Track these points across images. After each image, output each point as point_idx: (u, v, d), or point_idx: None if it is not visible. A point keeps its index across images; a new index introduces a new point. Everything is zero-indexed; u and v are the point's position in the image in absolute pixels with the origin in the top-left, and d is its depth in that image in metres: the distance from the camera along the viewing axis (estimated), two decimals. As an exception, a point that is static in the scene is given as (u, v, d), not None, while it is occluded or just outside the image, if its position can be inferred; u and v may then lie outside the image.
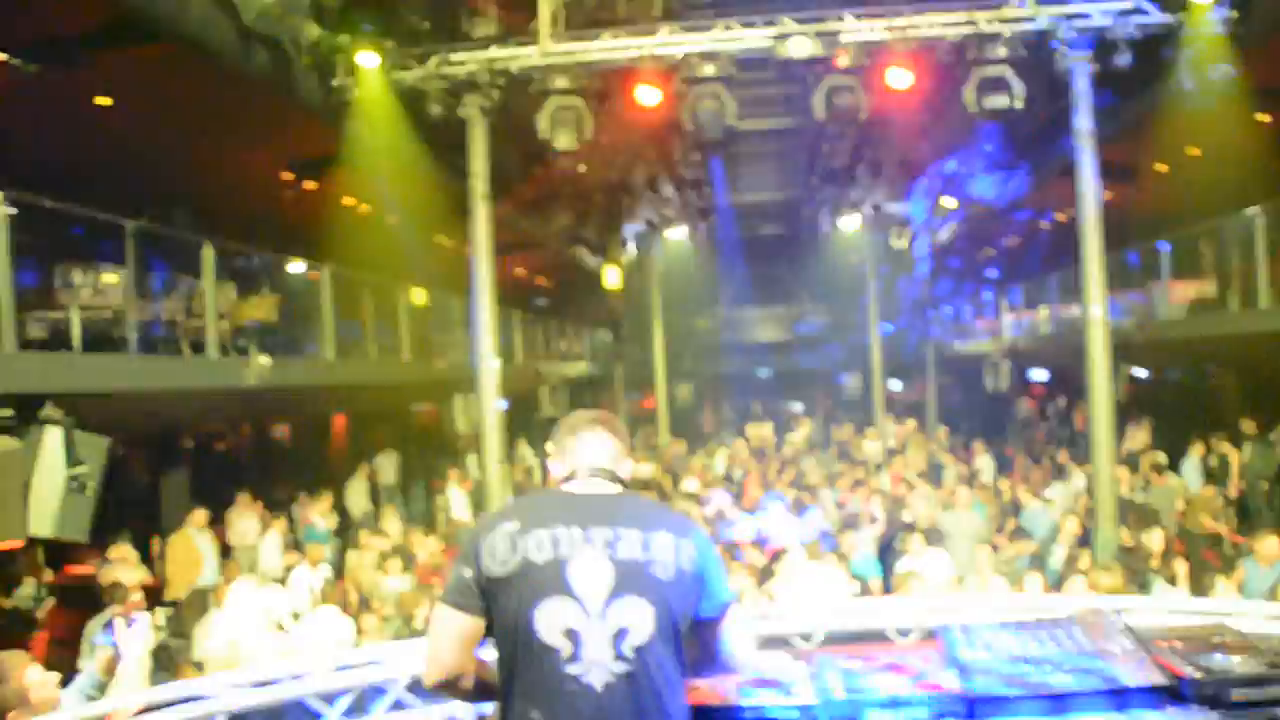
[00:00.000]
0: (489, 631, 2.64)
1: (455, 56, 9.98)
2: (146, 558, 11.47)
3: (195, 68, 9.46)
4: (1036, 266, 19.79)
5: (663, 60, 9.67)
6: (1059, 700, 3.17)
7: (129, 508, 11.96)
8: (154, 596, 10.11)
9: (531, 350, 22.22)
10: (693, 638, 2.73)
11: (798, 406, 26.42)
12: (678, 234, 20.62)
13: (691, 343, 26.81)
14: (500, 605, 2.59)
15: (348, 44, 9.87)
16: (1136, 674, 3.19)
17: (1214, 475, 12.85)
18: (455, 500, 15.10)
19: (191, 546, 11.09)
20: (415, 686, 4.23)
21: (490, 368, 12.06)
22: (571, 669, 2.53)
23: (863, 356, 22.43)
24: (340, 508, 14.76)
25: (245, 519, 12.50)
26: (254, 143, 11.98)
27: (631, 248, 21.33)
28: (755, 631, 3.28)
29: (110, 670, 5.16)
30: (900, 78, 9.47)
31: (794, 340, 27.42)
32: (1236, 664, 3.18)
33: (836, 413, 24.63)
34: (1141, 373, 18.97)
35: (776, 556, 9.84)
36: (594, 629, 2.53)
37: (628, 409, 24.87)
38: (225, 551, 11.98)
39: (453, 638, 2.61)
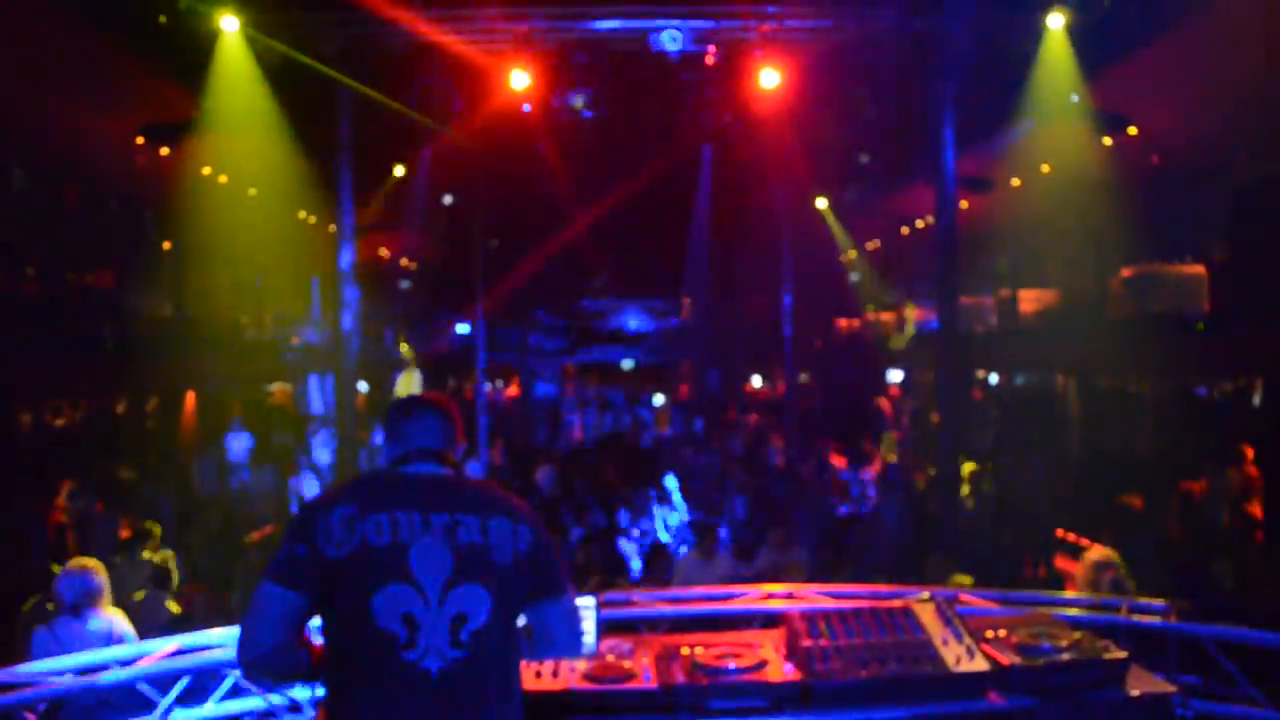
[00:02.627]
0: (316, 612, 2.55)
1: (325, 31, 9.65)
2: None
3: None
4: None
5: (535, 44, 9.55)
6: (890, 687, 3.27)
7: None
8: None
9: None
10: (532, 622, 2.71)
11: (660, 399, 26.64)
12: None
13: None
14: (335, 589, 2.50)
15: (209, 6, 9.43)
16: (965, 661, 3.31)
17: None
18: (307, 483, 14.71)
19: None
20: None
21: (350, 349, 11.79)
22: (408, 655, 2.47)
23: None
24: (186, 487, 14.24)
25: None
26: (105, 104, 11.37)
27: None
28: (598, 616, 3.25)
29: None
30: (770, 78, 9.60)
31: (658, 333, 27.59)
32: (1056, 652, 3.32)
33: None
34: (994, 377, 19.87)
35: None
36: (432, 615, 2.49)
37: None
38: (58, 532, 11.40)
39: (276, 616, 2.50)
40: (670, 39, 8.77)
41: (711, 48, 9.20)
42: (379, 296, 22.37)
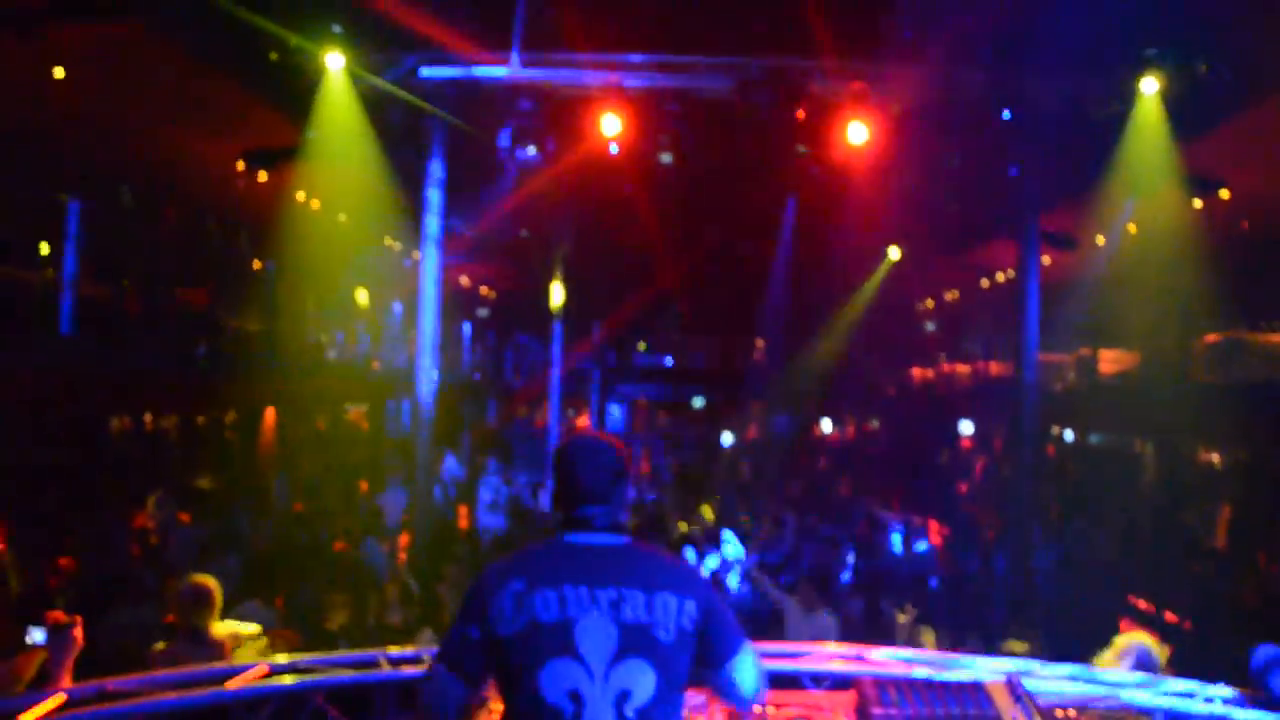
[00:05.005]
0: (482, 687, 2.66)
1: (424, 69, 10.00)
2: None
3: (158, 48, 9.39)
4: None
5: (628, 92, 9.78)
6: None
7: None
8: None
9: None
10: (713, 684, 2.74)
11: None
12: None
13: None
14: (506, 664, 2.60)
15: (315, 43, 9.82)
16: (1034, 743, 3.34)
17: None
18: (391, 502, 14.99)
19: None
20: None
21: (430, 374, 12.10)
22: None
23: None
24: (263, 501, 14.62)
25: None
26: (209, 129, 11.85)
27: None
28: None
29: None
30: (858, 133, 9.71)
31: None
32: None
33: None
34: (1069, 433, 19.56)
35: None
36: (597, 691, 2.53)
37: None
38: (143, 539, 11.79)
39: (444, 695, 2.61)
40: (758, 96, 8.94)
41: (801, 109, 9.33)
42: (457, 323, 22.85)
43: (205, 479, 14.19)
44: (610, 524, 2.74)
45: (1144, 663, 4.85)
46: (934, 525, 14.67)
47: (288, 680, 4.21)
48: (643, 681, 2.55)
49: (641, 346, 28.85)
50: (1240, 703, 4.13)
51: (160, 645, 5.11)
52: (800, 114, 9.38)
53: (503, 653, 2.59)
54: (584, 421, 28.26)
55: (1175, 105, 9.75)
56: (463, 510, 13.52)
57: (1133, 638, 5.03)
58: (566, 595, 2.57)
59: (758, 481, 18.73)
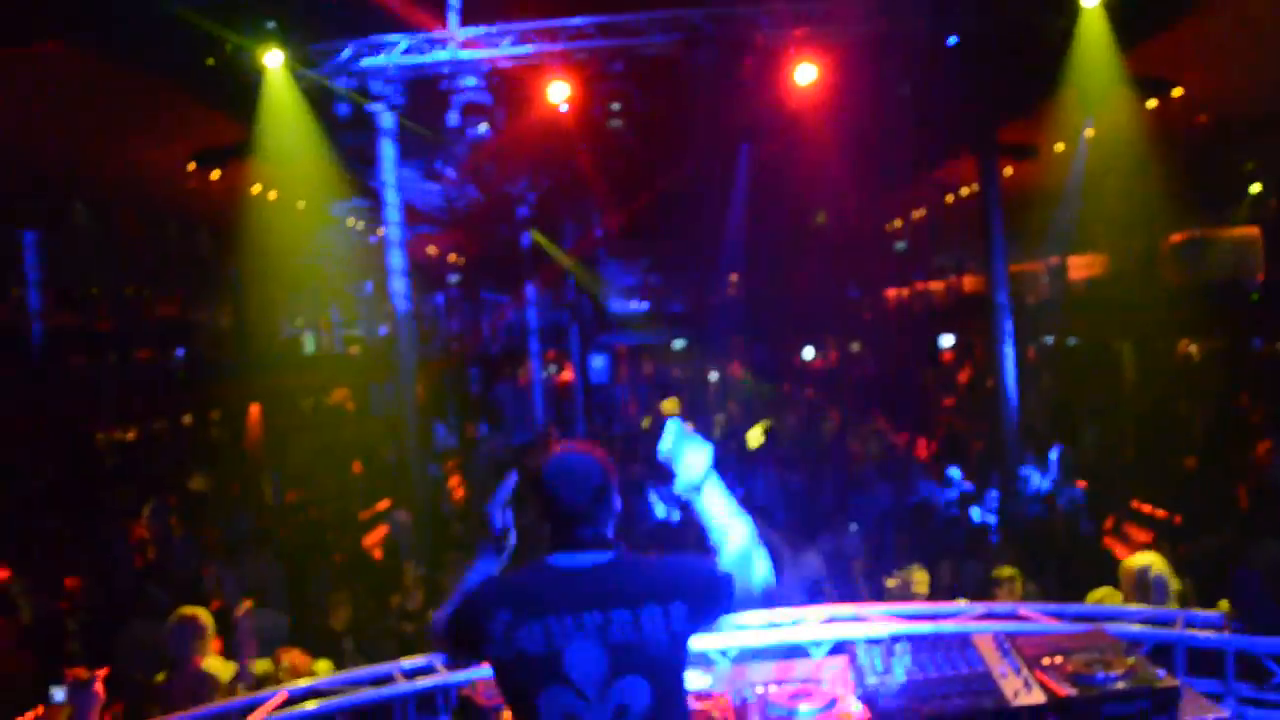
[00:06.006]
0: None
1: (364, 58, 9.89)
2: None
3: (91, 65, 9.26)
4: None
5: (572, 57, 9.71)
6: (954, 723, 3.45)
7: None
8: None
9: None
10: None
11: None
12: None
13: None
14: (504, 683, 2.69)
15: (252, 41, 9.70)
16: (1023, 694, 3.48)
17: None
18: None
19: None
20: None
21: (406, 350, 12.14)
22: None
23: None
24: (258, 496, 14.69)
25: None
26: (156, 135, 11.72)
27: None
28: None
29: None
30: (806, 73, 9.68)
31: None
32: (1111, 680, 3.47)
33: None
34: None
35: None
36: (594, 712, 2.59)
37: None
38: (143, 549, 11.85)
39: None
40: (704, 53, 8.89)
41: (747, 58, 9.29)
42: (429, 293, 22.81)
43: (198, 480, 14.23)
44: (596, 540, 2.76)
45: (1158, 590, 5.03)
46: (921, 442, 14.87)
47: (309, 706, 4.33)
48: (638, 695, 2.61)
49: (625, 296, 28.83)
50: (1219, 626, 4.30)
51: (160, 677, 5.17)
52: (747, 62, 9.33)
53: (499, 673, 2.67)
54: (568, 375, 28.32)
55: (1119, 13, 9.76)
56: (455, 482, 13.59)
57: (1141, 563, 5.18)
58: (551, 626, 2.61)
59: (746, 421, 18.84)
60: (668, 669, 2.68)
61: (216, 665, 5.15)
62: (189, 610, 5.23)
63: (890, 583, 7.07)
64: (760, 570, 2.87)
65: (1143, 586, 5.04)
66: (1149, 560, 5.19)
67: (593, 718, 2.59)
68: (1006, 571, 7.18)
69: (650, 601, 2.65)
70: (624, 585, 2.69)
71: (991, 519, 10.51)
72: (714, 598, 2.77)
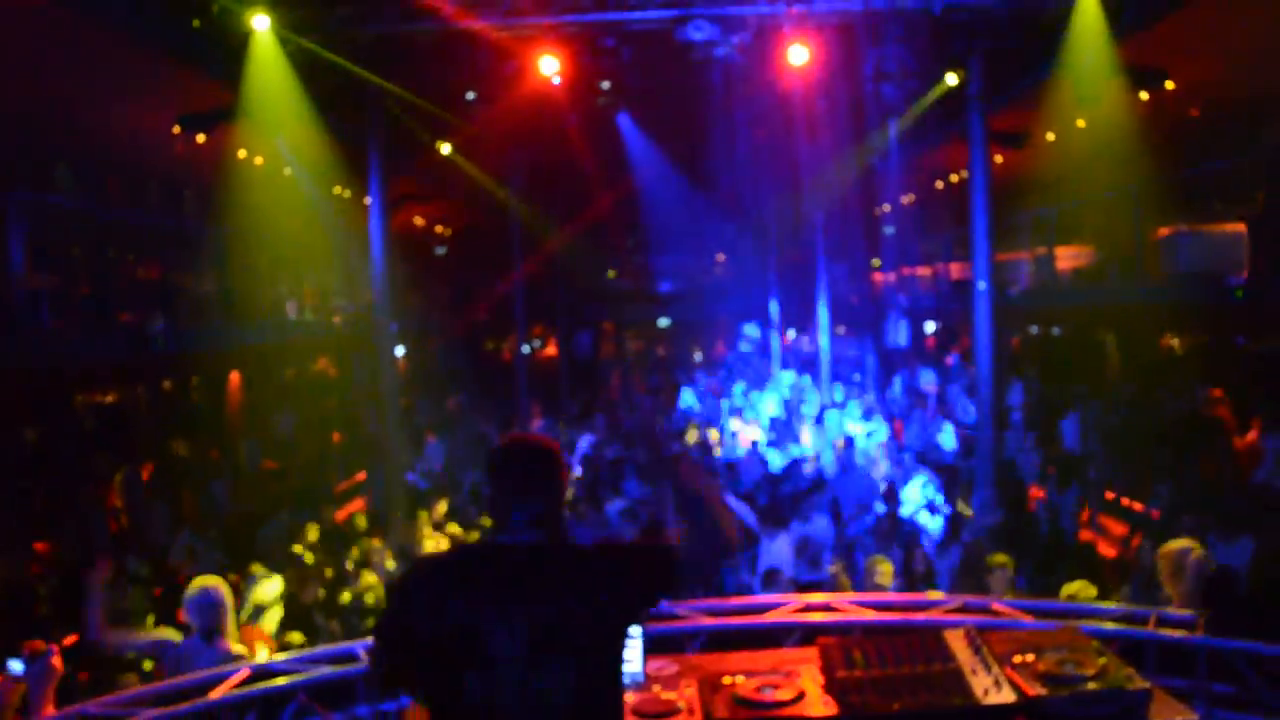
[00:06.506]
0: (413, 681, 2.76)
1: (353, 25, 9.75)
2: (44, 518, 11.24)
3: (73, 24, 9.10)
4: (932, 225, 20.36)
5: (564, 31, 9.60)
6: (924, 718, 3.42)
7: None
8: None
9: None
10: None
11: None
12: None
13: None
14: (426, 664, 2.65)
15: (239, 4, 9.54)
16: (993, 693, 3.45)
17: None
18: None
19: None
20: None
21: (387, 320, 12.09)
22: None
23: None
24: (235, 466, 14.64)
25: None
26: (140, 99, 11.55)
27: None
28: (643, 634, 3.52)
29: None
30: (799, 54, 9.60)
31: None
32: (1081, 680, 3.45)
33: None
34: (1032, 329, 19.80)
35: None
36: (514, 693, 2.56)
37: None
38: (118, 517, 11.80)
39: (384, 670, 2.82)
40: (695, 29, 8.79)
41: (738, 38, 9.20)
42: (415, 264, 22.65)
43: (177, 447, 14.15)
44: (534, 523, 2.74)
45: (1194, 574, 5.03)
46: (898, 426, 14.89)
47: (271, 683, 4.28)
48: (560, 679, 2.57)
49: (611, 274, 28.79)
50: (1192, 625, 4.29)
51: (175, 637, 5.02)
52: (740, 45, 9.25)
53: (425, 656, 2.64)
54: (551, 350, 28.28)
55: (1114, 2, 9.70)
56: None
57: (1180, 546, 5.17)
58: (475, 604, 2.59)
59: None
60: (594, 654, 2.65)
61: (238, 645, 5.04)
62: (207, 582, 5.04)
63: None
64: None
65: (1180, 570, 5.05)
66: (1188, 544, 5.21)
67: (513, 701, 2.55)
68: (999, 559, 7.20)
69: (579, 583, 2.66)
70: (554, 566, 2.70)
71: (967, 510, 10.53)
72: (651, 581, 2.77)
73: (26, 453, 12.58)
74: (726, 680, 3.68)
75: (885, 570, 7.04)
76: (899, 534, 9.05)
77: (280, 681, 4.27)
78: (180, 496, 12.55)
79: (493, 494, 2.80)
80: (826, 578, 7.63)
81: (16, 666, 3.90)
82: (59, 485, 11.83)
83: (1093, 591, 5.90)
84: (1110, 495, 11.76)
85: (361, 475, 14.45)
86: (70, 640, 6.20)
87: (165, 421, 14.93)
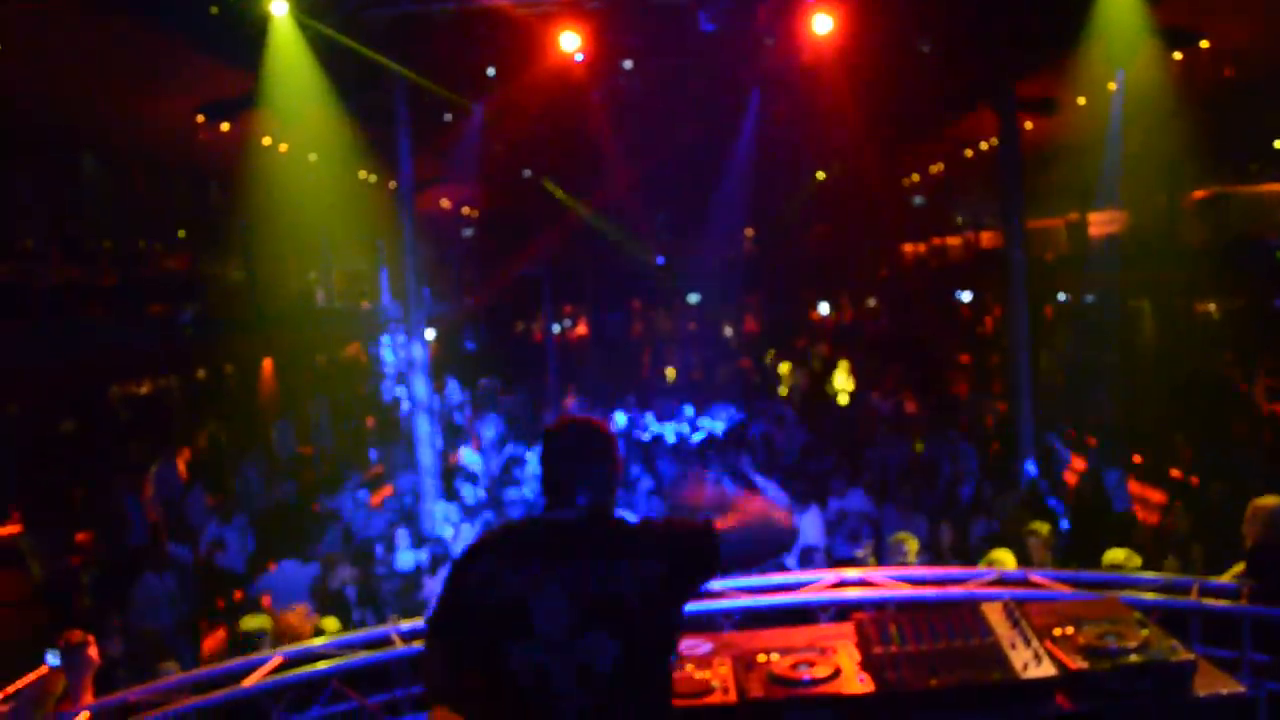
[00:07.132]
0: (467, 659, 2.73)
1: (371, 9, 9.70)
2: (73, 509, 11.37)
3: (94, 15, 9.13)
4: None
5: (584, 5, 9.51)
6: (960, 695, 3.36)
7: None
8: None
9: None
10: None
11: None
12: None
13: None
14: (476, 639, 2.68)
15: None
16: (1032, 667, 3.38)
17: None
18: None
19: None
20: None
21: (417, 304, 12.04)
22: (541, 702, 2.61)
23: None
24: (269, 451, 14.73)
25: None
26: (163, 87, 11.58)
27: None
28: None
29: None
30: (823, 23, 9.47)
31: None
32: (1123, 653, 3.38)
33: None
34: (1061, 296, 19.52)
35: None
36: (559, 665, 2.59)
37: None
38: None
39: (440, 663, 2.74)
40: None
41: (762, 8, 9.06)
42: (443, 246, 22.66)
43: (211, 433, 14.28)
44: (584, 500, 2.77)
45: None
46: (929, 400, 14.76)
47: (304, 669, 4.29)
48: (603, 652, 2.59)
49: (642, 252, 28.61)
50: (1236, 595, 4.21)
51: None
52: (761, 11, 9.12)
53: (473, 628, 2.68)
54: (582, 330, 28.27)
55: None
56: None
57: (1273, 502, 4.97)
58: (523, 575, 2.63)
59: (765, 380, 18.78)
60: (640, 629, 2.64)
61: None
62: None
63: (913, 543, 6.97)
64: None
65: (1273, 525, 4.84)
66: (1274, 499, 4.99)
67: (558, 672, 2.58)
68: (1037, 526, 7.10)
69: (625, 558, 2.67)
70: (601, 540, 2.73)
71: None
72: (695, 561, 2.76)
73: (64, 445, 12.71)
74: (761, 658, 3.64)
75: (912, 547, 6.96)
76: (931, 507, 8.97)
77: (319, 666, 4.28)
78: (218, 482, 12.66)
79: (545, 472, 2.84)
80: (862, 553, 7.57)
81: (53, 659, 3.93)
82: (97, 476, 11.96)
83: (1138, 561, 5.78)
84: (1138, 459, 11.59)
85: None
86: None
87: (199, 409, 15.04)
